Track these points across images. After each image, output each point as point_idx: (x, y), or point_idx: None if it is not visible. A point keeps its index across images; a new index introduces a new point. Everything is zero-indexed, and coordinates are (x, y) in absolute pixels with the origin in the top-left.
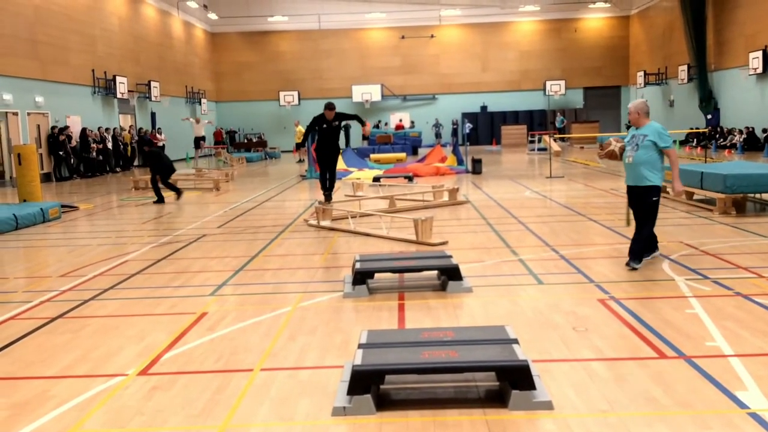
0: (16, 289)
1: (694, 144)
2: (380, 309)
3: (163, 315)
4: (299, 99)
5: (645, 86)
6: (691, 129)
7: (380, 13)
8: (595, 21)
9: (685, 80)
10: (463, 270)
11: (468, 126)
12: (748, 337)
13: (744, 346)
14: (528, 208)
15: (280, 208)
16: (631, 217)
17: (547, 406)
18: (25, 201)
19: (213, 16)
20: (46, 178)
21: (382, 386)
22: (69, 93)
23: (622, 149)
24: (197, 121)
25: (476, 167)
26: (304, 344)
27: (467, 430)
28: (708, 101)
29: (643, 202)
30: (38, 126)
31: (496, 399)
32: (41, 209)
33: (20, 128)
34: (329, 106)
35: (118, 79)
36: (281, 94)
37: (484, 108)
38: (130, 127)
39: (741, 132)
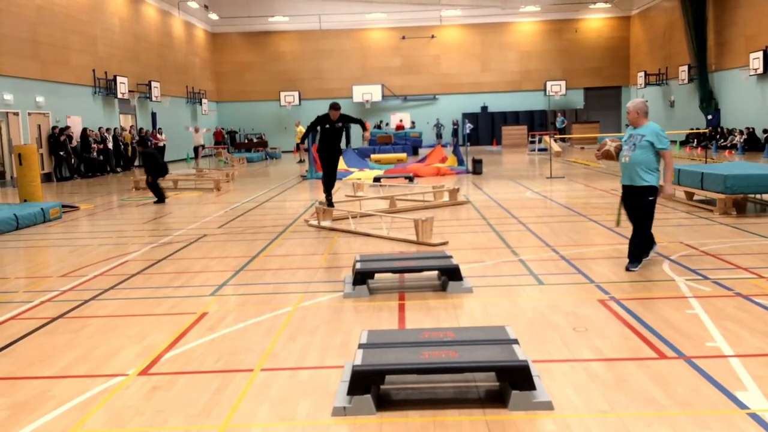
0: (17, 289)
1: (694, 144)
2: (380, 309)
3: (164, 315)
4: (300, 99)
5: (645, 87)
6: (692, 129)
7: (381, 13)
8: (596, 21)
9: (686, 81)
10: (464, 270)
11: (468, 126)
12: (748, 337)
13: (744, 346)
14: (528, 209)
15: (281, 209)
16: (624, 217)
17: (547, 406)
18: (25, 201)
19: (214, 16)
20: (46, 178)
21: (382, 386)
22: (70, 93)
23: (618, 149)
24: (196, 130)
25: (477, 167)
26: (304, 344)
27: (467, 431)
28: (708, 102)
29: (639, 202)
30: (39, 126)
31: (496, 399)
32: (42, 209)
33: (21, 128)
34: (335, 106)
35: (119, 79)
36: (282, 94)
37: (484, 108)
38: (131, 127)
39: (741, 132)
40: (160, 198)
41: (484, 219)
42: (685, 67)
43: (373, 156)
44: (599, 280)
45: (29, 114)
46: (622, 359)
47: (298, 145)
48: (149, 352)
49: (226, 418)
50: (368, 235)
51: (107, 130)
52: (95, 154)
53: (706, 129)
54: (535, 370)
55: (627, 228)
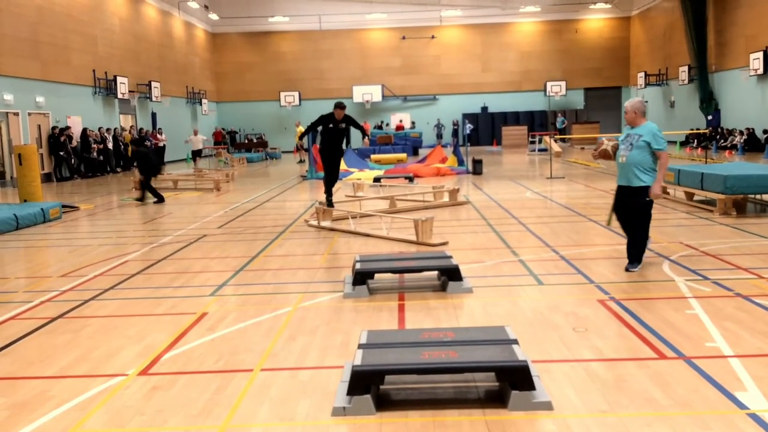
0: (17, 289)
1: (694, 145)
2: (380, 309)
3: (164, 315)
4: (300, 99)
5: (645, 87)
6: (692, 130)
7: (381, 13)
8: (596, 22)
9: (686, 81)
10: (464, 270)
11: (468, 127)
12: (747, 337)
13: (744, 346)
14: (528, 209)
15: (281, 209)
16: (615, 217)
17: (547, 406)
18: (25, 201)
19: (214, 16)
20: (46, 178)
21: (382, 386)
22: (70, 93)
23: (615, 148)
24: (195, 133)
25: (477, 168)
26: (304, 344)
27: (467, 431)
28: (709, 102)
29: (636, 203)
30: (39, 126)
31: (496, 399)
32: (42, 209)
33: (21, 128)
34: (340, 105)
35: (119, 79)
36: (282, 94)
37: (484, 109)
38: (131, 127)
39: (741, 133)
40: (142, 198)
41: (484, 219)
42: (686, 68)
43: (373, 156)
44: (599, 281)
45: (29, 114)
46: (621, 359)
47: (298, 145)
48: (149, 352)
49: (226, 418)
50: (368, 235)
51: (107, 130)
52: (95, 154)
53: (706, 129)
54: (534, 370)
55: (610, 227)
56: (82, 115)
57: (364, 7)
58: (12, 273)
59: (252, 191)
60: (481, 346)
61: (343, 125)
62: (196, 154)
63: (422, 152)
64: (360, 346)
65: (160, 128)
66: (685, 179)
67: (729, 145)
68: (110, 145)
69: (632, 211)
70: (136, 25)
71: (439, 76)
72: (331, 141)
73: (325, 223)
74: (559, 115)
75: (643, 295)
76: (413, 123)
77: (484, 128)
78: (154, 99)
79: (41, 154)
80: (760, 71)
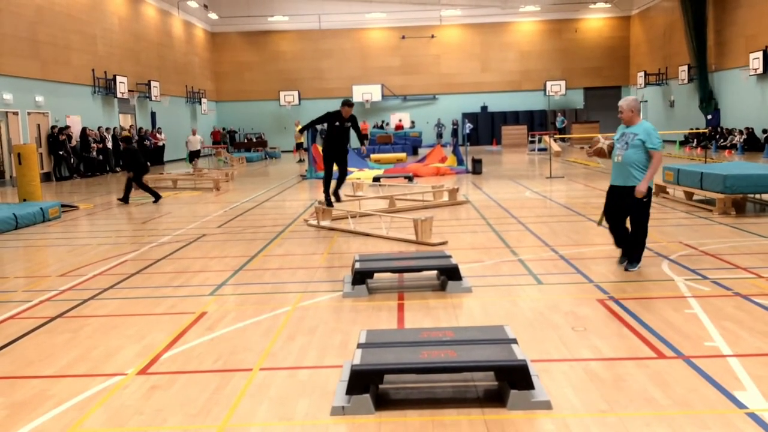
0: (16, 288)
1: (694, 144)
2: (379, 309)
3: (163, 315)
4: (299, 99)
5: (645, 86)
6: (692, 129)
7: (380, 13)
8: (596, 21)
9: (686, 80)
10: (463, 270)
11: (468, 126)
12: (747, 337)
13: (743, 346)
14: (528, 209)
15: (280, 208)
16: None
17: (546, 405)
18: (25, 200)
19: (213, 15)
20: (46, 177)
21: (381, 386)
22: (69, 93)
23: (611, 147)
24: (193, 133)
25: (476, 167)
26: (303, 344)
27: (466, 430)
28: (708, 102)
29: (633, 203)
30: (38, 125)
31: (495, 399)
32: (41, 209)
33: (20, 128)
34: (348, 103)
35: (118, 78)
36: (281, 93)
37: (484, 108)
38: (131, 126)
39: (741, 132)
40: (126, 198)
41: (483, 219)
42: (685, 67)
43: (372, 156)
44: (598, 280)
45: (29, 113)
46: (620, 359)
47: (297, 144)
48: (148, 351)
49: (225, 418)
50: (367, 234)
51: (107, 129)
52: (94, 153)
53: (705, 129)
54: (533, 369)
55: (600, 228)
56: (82, 114)
57: (364, 7)
58: (11, 272)
59: (251, 191)
60: (480, 346)
61: (349, 124)
62: (194, 155)
63: (422, 152)
64: (359, 346)
65: (159, 128)
66: (685, 179)
67: (728, 145)
68: (109, 145)
69: (629, 210)
70: (135, 25)
71: (439, 76)
72: (336, 140)
73: (325, 223)
74: (559, 114)
75: (643, 295)
76: (413, 122)
77: (484, 128)
78: (153, 98)
79: (40, 154)
80: (760, 71)
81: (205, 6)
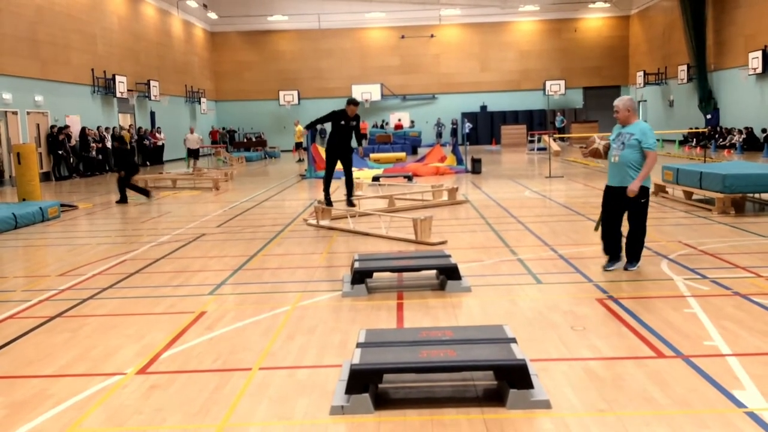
0: (15, 288)
1: (693, 144)
2: (379, 308)
3: (162, 314)
4: (299, 98)
5: (644, 86)
6: (691, 129)
7: (380, 12)
8: (595, 21)
9: (685, 80)
10: (462, 269)
11: (468, 126)
12: (746, 336)
13: (742, 345)
14: (527, 208)
15: (280, 208)
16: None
17: (545, 405)
18: (24, 200)
19: (213, 15)
20: (45, 177)
21: (380, 385)
22: (68, 92)
23: (606, 147)
24: (191, 131)
25: (476, 167)
26: (302, 343)
27: (465, 429)
28: (707, 101)
29: (632, 205)
30: (38, 125)
31: (494, 398)
32: (40, 208)
33: (20, 127)
34: (354, 102)
35: (118, 78)
36: (281, 93)
37: (483, 108)
38: (130, 126)
39: (740, 132)
40: (124, 198)
41: (482, 218)
42: (685, 67)
43: (372, 155)
44: (597, 280)
45: (28, 113)
46: (620, 358)
47: (297, 144)
48: (147, 351)
49: (225, 417)
50: (367, 234)
51: (106, 129)
52: (94, 153)
53: (705, 128)
54: (533, 368)
55: (598, 233)
56: (81, 114)
57: (363, 6)
58: (10, 272)
59: (251, 190)
60: (480, 345)
61: (354, 123)
62: (193, 154)
63: (421, 151)
64: (358, 345)
65: (158, 127)
66: (684, 178)
67: (728, 144)
68: (109, 144)
69: (627, 210)
70: (135, 24)
71: (438, 75)
72: (341, 139)
73: (324, 222)
74: (558, 114)
75: (642, 294)
76: (412, 122)
77: (483, 127)
78: (152, 98)
79: (40, 153)
80: (759, 70)
81: (205, 5)
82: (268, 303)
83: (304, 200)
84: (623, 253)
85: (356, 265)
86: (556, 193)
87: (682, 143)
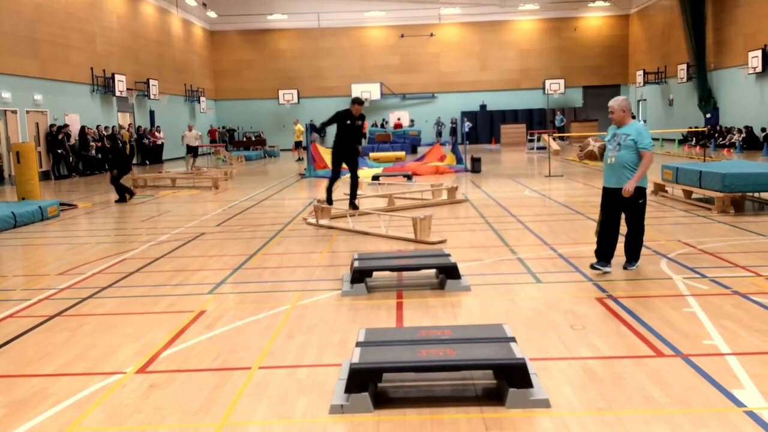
0: (15, 287)
1: (693, 143)
2: (378, 307)
3: (162, 313)
4: (298, 97)
5: (644, 85)
6: (690, 128)
7: (380, 11)
8: (595, 20)
9: (685, 79)
10: (462, 268)
11: (467, 125)
12: (745, 335)
13: (741, 344)
14: (527, 207)
15: (279, 207)
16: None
17: (545, 404)
18: (23, 199)
19: (212, 14)
20: (44, 176)
21: (379, 384)
22: (68, 91)
23: (602, 149)
24: (190, 129)
25: (475, 166)
26: (302, 342)
27: (464, 428)
28: (707, 100)
29: (630, 206)
30: (37, 124)
31: (494, 397)
32: (40, 207)
33: (19, 126)
34: (358, 101)
35: (117, 77)
36: (280, 92)
37: (483, 107)
38: (129, 125)
39: (740, 131)
40: (122, 197)
41: (482, 217)
42: (684, 66)
43: (371, 154)
44: (597, 279)
45: (27, 112)
46: (619, 357)
47: (296, 143)
48: (147, 350)
49: (224, 416)
50: (366, 233)
51: (105, 128)
52: (93, 152)
53: (704, 127)
54: (532, 368)
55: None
56: (80, 113)
57: (363, 5)
58: (10, 271)
59: (250, 189)
60: (479, 344)
61: (359, 122)
62: (192, 151)
63: (421, 150)
64: (358, 344)
65: (158, 126)
66: (684, 177)
67: (727, 144)
68: (108, 144)
69: (624, 210)
70: (134, 23)
71: (438, 74)
72: (347, 138)
73: (324, 221)
74: (558, 113)
75: (641, 293)
76: (412, 121)
77: (483, 126)
78: (152, 97)
79: (39, 152)
80: (759, 69)
81: (204, 4)
82: (267, 302)
83: (304, 199)
84: (613, 260)
85: (356, 264)
86: (555, 192)
87: (681, 142)
